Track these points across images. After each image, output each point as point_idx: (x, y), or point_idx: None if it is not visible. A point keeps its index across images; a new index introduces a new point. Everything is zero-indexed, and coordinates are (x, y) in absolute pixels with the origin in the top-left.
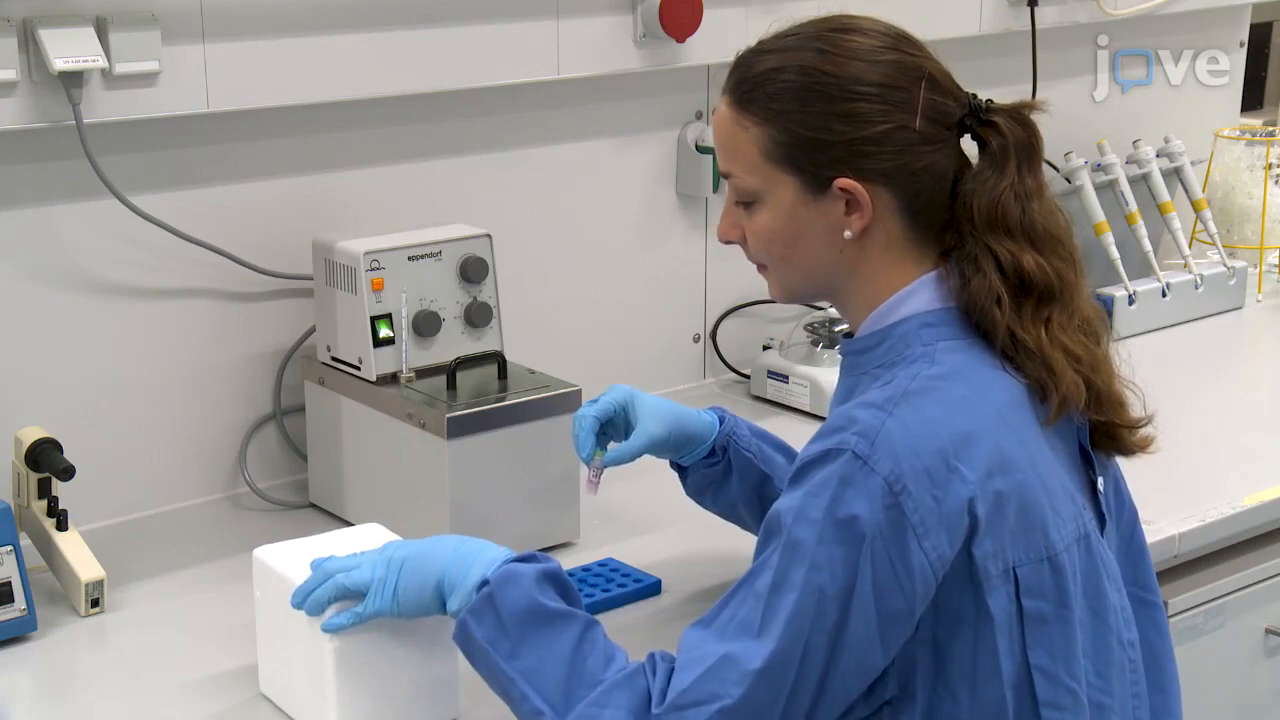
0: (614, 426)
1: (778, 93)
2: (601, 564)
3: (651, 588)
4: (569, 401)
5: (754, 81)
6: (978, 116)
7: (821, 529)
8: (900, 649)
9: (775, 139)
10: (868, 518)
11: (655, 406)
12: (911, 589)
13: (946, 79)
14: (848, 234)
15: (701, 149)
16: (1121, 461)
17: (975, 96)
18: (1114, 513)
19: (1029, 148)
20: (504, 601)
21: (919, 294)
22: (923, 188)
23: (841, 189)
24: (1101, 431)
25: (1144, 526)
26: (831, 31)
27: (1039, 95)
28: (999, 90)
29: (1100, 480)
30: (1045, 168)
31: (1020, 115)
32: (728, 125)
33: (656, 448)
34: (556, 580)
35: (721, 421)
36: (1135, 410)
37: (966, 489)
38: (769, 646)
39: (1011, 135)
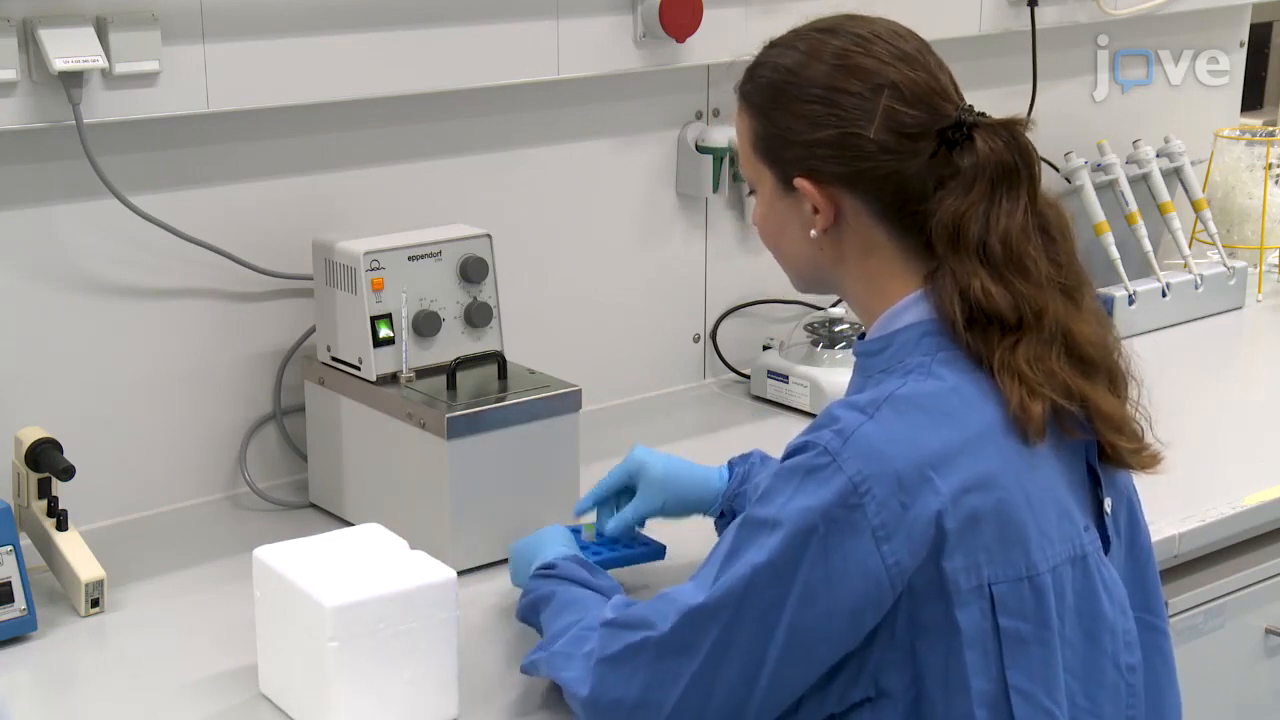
0: (627, 491)
1: (758, 88)
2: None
3: (655, 551)
4: (569, 401)
5: (747, 75)
6: (960, 131)
7: (775, 514)
8: (872, 651)
9: (757, 132)
10: (820, 512)
11: (658, 479)
12: (861, 590)
13: (924, 90)
14: (813, 233)
15: (701, 149)
16: None
17: (969, 111)
18: (1123, 535)
19: (1008, 169)
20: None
21: (923, 302)
22: (892, 197)
23: (799, 188)
24: (1104, 449)
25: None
26: (818, 31)
27: (1039, 95)
28: (999, 90)
29: (1108, 501)
30: (1045, 169)
31: (1006, 133)
32: (736, 115)
33: (650, 517)
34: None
35: (731, 477)
36: (1135, 432)
37: (937, 501)
38: (704, 595)
39: (986, 155)
